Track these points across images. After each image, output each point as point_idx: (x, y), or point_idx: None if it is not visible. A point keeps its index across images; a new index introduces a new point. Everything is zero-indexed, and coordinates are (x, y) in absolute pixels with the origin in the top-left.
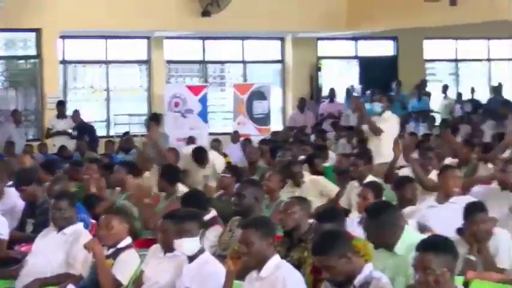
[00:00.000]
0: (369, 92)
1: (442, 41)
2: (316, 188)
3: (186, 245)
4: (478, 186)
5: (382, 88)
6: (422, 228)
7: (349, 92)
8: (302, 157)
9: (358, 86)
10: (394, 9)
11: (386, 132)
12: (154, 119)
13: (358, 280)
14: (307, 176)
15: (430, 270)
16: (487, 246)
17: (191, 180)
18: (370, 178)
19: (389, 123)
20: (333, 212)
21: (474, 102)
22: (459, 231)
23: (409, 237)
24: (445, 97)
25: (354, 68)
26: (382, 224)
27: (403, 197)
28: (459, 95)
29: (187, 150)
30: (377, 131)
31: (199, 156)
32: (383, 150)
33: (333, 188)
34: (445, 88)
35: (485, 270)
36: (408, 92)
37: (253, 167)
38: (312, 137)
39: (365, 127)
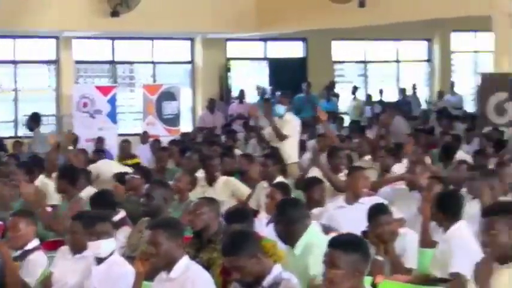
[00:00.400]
0: (279, 93)
1: (350, 43)
2: (229, 189)
3: (104, 246)
4: (387, 186)
5: (292, 89)
6: (326, 229)
7: (263, 92)
8: None
9: (268, 87)
10: (302, 11)
11: (287, 133)
12: (33, 120)
13: (267, 281)
14: (219, 177)
15: (336, 267)
16: (393, 247)
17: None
18: (279, 179)
19: (291, 125)
20: (241, 213)
21: (383, 104)
22: (364, 233)
23: (310, 238)
24: (354, 98)
25: (264, 69)
26: (290, 220)
27: (311, 198)
28: (368, 96)
29: (107, 167)
30: (281, 137)
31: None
32: (285, 151)
33: (244, 189)
34: (354, 89)
35: (392, 270)
36: (317, 93)
37: (163, 168)
38: (223, 138)
39: (267, 130)
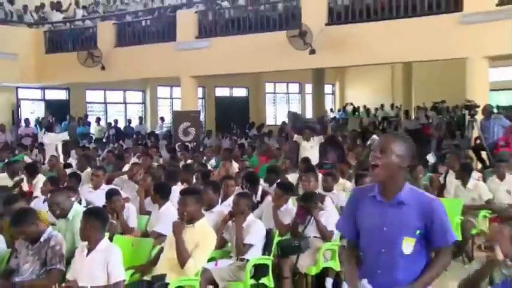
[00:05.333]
0: None
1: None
2: None
3: None
4: (118, 178)
5: None
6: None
7: None
8: None
9: None
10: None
11: None
12: None
13: (43, 237)
14: None
15: (87, 229)
16: (122, 215)
17: None
18: None
19: None
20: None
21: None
22: (104, 207)
23: (75, 209)
24: None
25: None
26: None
27: None
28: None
29: None
30: None
31: None
32: None
33: None
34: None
35: (122, 229)
36: None
37: None
38: None
39: None
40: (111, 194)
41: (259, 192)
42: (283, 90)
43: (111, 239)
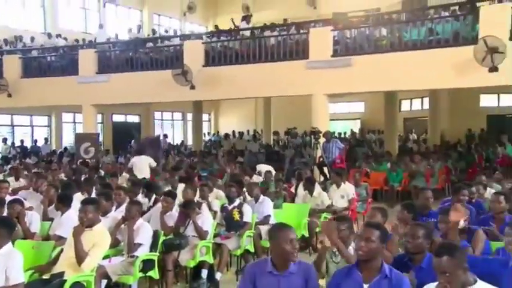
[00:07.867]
0: None
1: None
2: None
3: None
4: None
5: None
6: None
7: None
8: None
9: None
10: None
11: None
12: None
13: None
14: None
15: None
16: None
17: None
18: None
19: None
20: None
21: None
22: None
23: None
24: None
25: None
26: None
27: None
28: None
29: None
30: None
31: None
32: None
33: None
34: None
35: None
36: None
37: None
38: None
39: None
40: (10, 203)
41: (153, 199)
42: (169, 117)
43: (12, 243)
